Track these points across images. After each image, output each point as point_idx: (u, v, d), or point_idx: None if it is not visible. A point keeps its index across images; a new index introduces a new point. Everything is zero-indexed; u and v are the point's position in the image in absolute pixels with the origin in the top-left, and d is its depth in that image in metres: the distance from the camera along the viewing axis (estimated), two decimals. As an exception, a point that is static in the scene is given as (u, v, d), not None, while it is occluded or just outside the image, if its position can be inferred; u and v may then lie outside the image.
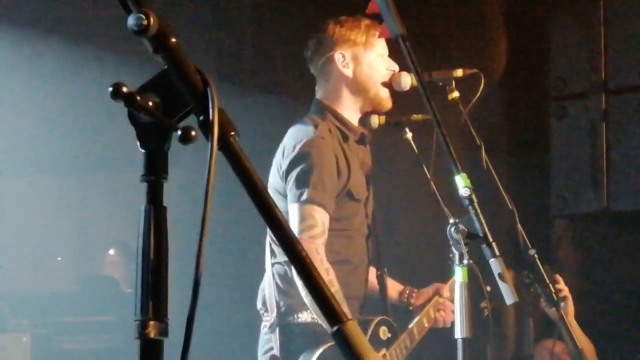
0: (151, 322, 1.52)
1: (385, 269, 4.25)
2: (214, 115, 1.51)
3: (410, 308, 4.27)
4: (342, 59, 4.10)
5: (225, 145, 1.54)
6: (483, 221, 3.15)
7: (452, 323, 4.10)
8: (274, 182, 4.02)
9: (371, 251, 4.16)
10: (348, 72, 4.10)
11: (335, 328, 1.50)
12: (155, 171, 1.57)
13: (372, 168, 4.18)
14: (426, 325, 4.19)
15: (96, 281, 8.07)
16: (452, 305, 4.16)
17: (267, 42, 6.52)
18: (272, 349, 3.98)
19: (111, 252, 8.33)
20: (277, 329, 3.96)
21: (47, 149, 7.58)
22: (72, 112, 7.01)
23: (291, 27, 5.95)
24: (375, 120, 4.19)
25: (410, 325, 4.15)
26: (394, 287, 4.30)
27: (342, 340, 1.49)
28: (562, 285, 4.22)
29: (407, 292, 4.29)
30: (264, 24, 6.54)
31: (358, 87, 4.11)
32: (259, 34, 6.60)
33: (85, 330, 7.52)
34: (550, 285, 3.95)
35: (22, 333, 7.39)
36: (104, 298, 7.49)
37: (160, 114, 1.55)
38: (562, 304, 4.15)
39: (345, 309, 3.73)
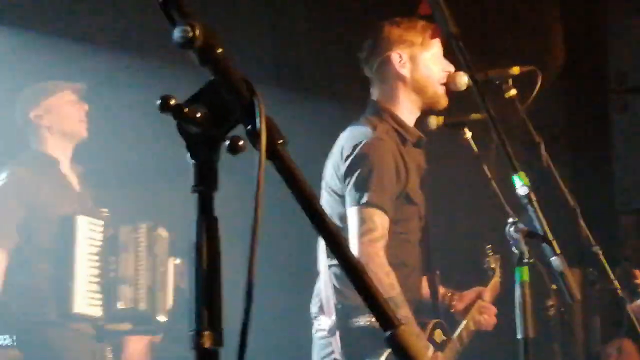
0: (206, 333, 1.52)
1: (438, 272, 4.22)
2: (262, 125, 1.51)
3: (452, 311, 4.24)
4: (400, 59, 4.08)
5: (274, 154, 1.54)
6: (542, 219, 3.12)
7: (495, 326, 4.12)
8: (331, 183, 4.00)
9: (424, 254, 4.14)
10: (405, 72, 4.08)
11: (387, 334, 1.50)
12: (205, 182, 1.57)
13: (426, 171, 4.17)
14: (473, 328, 4.18)
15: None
16: (494, 308, 4.18)
17: (322, 46, 6.52)
18: (332, 353, 3.93)
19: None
20: (337, 332, 3.92)
21: (103, 161, 7.64)
22: (123, 123, 7.05)
23: (344, 30, 5.95)
24: (434, 121, 4.14)
25: (460, 329, 4.14)
26: None
27: (395, 346, 1.49)
28: None
29: (449, 295, 4.26)
30: (318, 27, 6.54)
31: (415, 88, 4.09)
32: (314, 37, 6.60)
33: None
34: (614, 282, 3.90)
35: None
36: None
37: (208, 125, 1.55)
38: None
39: (405, 311, 3.71)
